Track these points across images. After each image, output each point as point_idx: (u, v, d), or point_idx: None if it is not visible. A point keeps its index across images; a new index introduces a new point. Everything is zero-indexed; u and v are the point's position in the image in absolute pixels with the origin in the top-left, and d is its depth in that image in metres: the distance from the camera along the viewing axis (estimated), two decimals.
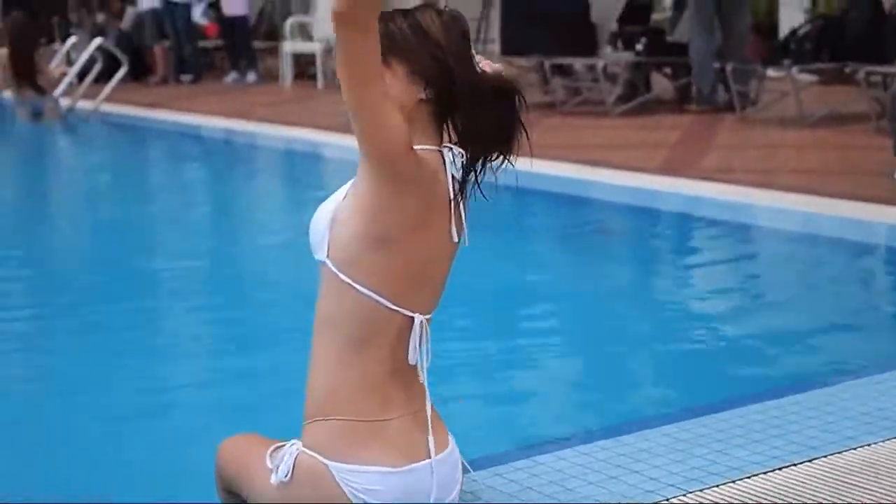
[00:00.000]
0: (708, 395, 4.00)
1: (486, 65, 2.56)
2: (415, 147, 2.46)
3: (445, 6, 2.59)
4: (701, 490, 2.83)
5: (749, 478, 2.91)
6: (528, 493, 2.84)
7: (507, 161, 2.56)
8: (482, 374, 4.59)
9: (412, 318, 2.51)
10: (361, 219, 2.46)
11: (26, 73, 13.75)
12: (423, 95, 2.48)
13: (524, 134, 2.55)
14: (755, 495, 2.81)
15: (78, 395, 4.45)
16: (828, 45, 11.71)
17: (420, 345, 2.53)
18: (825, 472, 2.95)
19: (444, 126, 2.55)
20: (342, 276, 2.48)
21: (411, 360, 2.53)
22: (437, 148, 2.52)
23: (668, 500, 2.78)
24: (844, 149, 9.08)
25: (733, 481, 2.89)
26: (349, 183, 2.53)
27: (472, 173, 2.53)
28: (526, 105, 2.54)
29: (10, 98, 13.95)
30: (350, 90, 2.38)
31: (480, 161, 2.54)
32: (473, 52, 2.55)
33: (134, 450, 3.91)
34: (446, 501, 2.57)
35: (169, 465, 3.75)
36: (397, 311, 2.49)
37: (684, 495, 2.81)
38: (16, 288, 6.35)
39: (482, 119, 2.51)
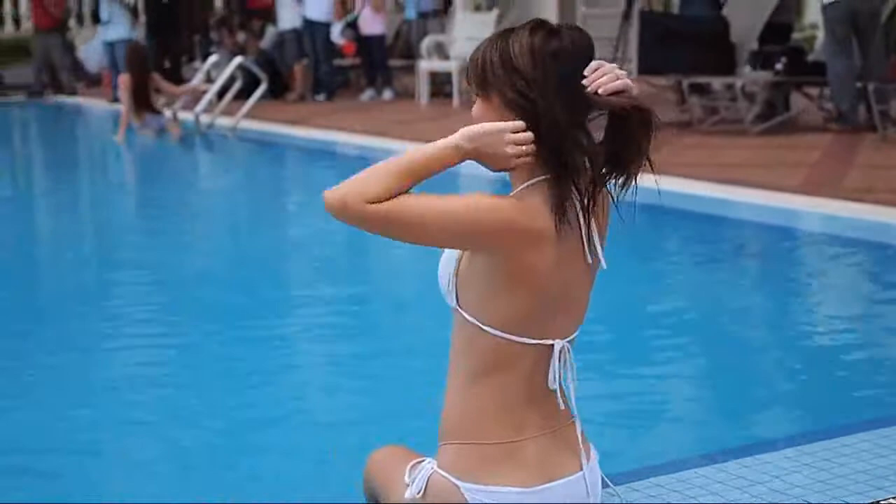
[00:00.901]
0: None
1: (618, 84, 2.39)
2: (529, 182, 2.41)
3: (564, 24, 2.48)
4: None
5: None
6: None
7: (624, 182, 2.45)
8: (612, 390, 4.56)
9: (552, 345, 2.50)
10: (485, 280, 2.44)
11: (143, 99, 14.15)
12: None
13: (647, 154, 2.42)
14: None
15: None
16: None
17: (563, 368, 2.51)
18: None
19: None
20: (475, 322, 2.47)
21: (552, 386, 2.51)
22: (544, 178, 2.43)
23: None
24: None
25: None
26: None
27: (587, 197, 2.43)
28: (651, 125, 2.40)
29: (134, 123, 14.31)
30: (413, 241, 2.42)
31: (592, 184, 2.43)
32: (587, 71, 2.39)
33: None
34: None
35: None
36: (536, 343, 2.48)
37: None
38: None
39: (579, 147, 2.39)
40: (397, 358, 5.09)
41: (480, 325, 2.46)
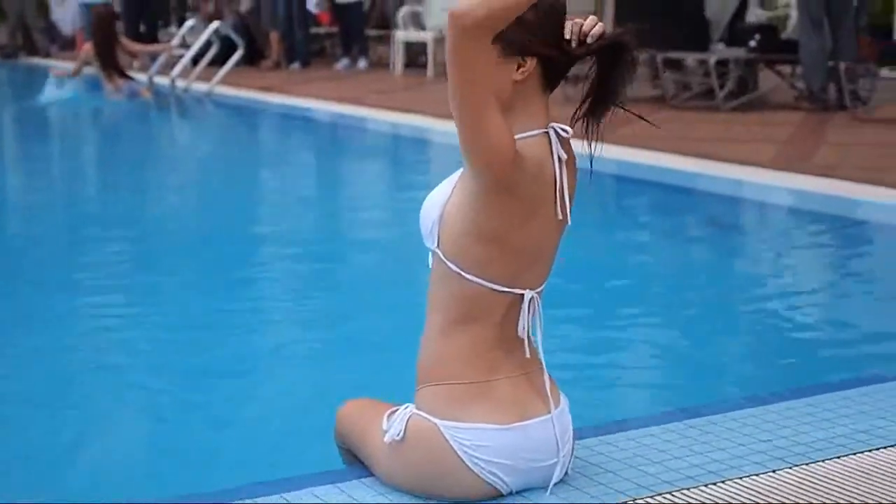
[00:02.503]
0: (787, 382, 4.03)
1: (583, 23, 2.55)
2: (518, 135, 2.50)
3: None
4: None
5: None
6: (636, 460, 2.91)
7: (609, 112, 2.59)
8: (576, 350, 4.68)
9: (522, 294, 2.62)
10: (469, 217, 2.54)
11: (111, 62, 14.16)
12: (517, 77, 2.51)
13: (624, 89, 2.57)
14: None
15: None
16: None
17: (532, 317, 2.64)
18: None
19: (547, 103, 2.58)
20: (452, 266, 2.58)
21: (521, 334, 2.63)
22: (542, 129, 2.57)
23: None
24: None
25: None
26: (457, 174, 2.60)
27: (592, 140, 2.58)
28: (633, 60, 2.55)
29: (105, 86, 14.31)
30: (456, 88, 2.40)
31: (595, 124, 2.58)
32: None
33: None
34: (558, 458, 2.68)
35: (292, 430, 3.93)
36: (508, 292, 2.59)
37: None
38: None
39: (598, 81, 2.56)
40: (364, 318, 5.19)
41: (459, 270, 2.57)
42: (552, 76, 2.56)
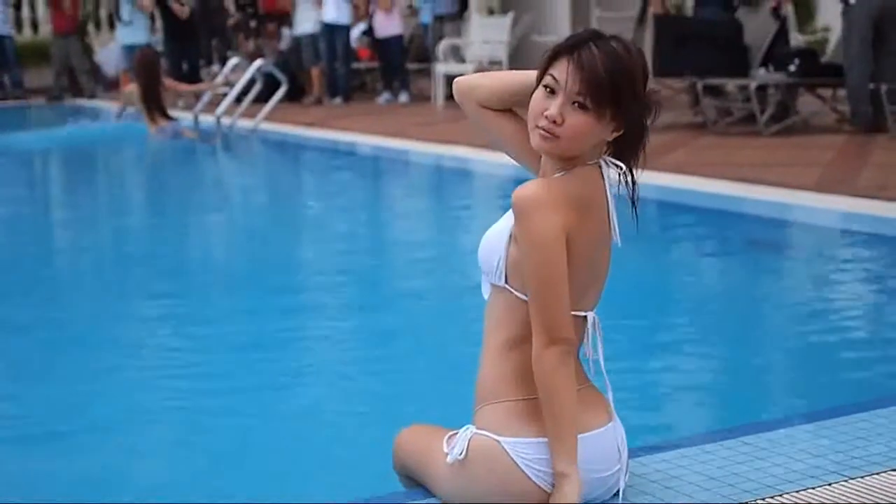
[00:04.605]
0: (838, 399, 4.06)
1: None
2: (576, 168, 2.66)
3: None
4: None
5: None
6: (691, 476, 2.94)
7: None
8: (627, 370, 4.72)
9: (585, 316, 2.71)
10: None
11: (155, 103, 14.34)
12: (610, 138, 2.67)
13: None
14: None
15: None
16: None
17: (596, 335, 2.73)
18: None
19: None
20: (520, 296, 2.68)
21: (588, 354, 2.74)
22: (595, 162, 2.70)
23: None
24: None
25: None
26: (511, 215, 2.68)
27: (632, 180, 2.74)
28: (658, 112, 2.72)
29: (149, 127, 14.49)
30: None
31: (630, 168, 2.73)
32: None
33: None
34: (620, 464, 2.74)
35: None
36: (573, 315, 2.67)
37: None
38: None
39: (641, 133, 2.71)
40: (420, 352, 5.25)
41: (527, 299, 2.65)
42: None
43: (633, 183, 2.73)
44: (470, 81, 2.88)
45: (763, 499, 2.81)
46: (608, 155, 2.71)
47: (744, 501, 2.79)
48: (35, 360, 5.16)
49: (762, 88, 11.88)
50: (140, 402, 4.54)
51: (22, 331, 5.62)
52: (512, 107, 2.82)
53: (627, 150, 2.70)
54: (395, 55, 18.36)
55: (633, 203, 2.75)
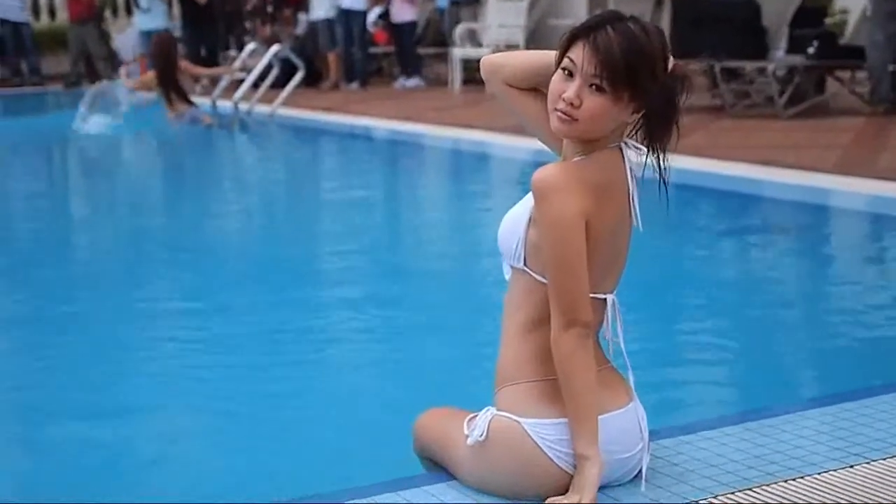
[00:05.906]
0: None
1: None
2: (595, 152, 2.66)
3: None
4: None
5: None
6: (692, 463, 2.92)
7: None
8: (644, 352, 4.71)
9: (604, 299, 2.71)
10: None
11: (174, 88, 14.33)
12: (633, 119, 2.66)
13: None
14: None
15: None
16: None
17: (615, 319, 2.73)
18: None
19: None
20: (539, 279, 2.68)
21: (606, 336, 2.73)
22: (617, 145, 2.70)
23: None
24: None
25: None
26: (529, 198, 2.68)
27: (661, 162, 2.71)
28: (690, 89, 2.67)
29: (167, 113, 14.47)
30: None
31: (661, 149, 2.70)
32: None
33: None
34: (634, 452, 2.74)
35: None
36: (593, 298, 2.66)
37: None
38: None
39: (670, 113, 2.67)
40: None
41: (546, 282, 2.65)
42: None
43: (664, 162, 2.71)
44: (496, 60, 2.87)
45: (786, 480, 2.80)
46: (639, 135, 2.70)
47: (765, 483, 2.79)
48: (52, 349, 5.17)
49: (781, 71, 11.82)
50: (166, 393, 4.55)
51: (38, 321, 5.65)
52: (537, 86, 2.80)
53: (657, 129, 2.67)
54: (408, 40, 18.35)
55: (663, 183, 2.72)
